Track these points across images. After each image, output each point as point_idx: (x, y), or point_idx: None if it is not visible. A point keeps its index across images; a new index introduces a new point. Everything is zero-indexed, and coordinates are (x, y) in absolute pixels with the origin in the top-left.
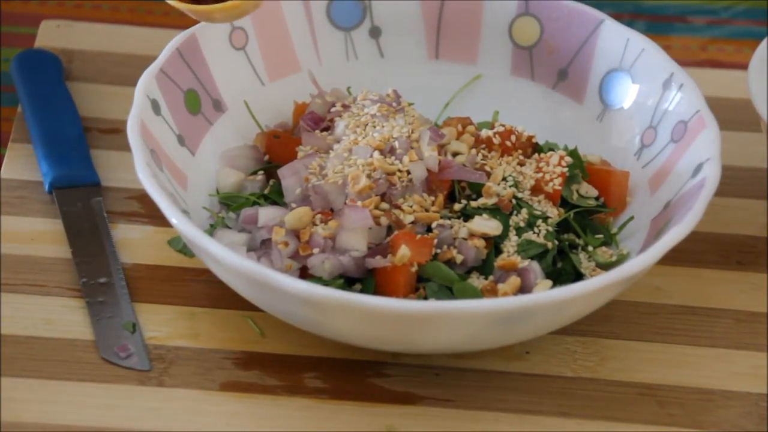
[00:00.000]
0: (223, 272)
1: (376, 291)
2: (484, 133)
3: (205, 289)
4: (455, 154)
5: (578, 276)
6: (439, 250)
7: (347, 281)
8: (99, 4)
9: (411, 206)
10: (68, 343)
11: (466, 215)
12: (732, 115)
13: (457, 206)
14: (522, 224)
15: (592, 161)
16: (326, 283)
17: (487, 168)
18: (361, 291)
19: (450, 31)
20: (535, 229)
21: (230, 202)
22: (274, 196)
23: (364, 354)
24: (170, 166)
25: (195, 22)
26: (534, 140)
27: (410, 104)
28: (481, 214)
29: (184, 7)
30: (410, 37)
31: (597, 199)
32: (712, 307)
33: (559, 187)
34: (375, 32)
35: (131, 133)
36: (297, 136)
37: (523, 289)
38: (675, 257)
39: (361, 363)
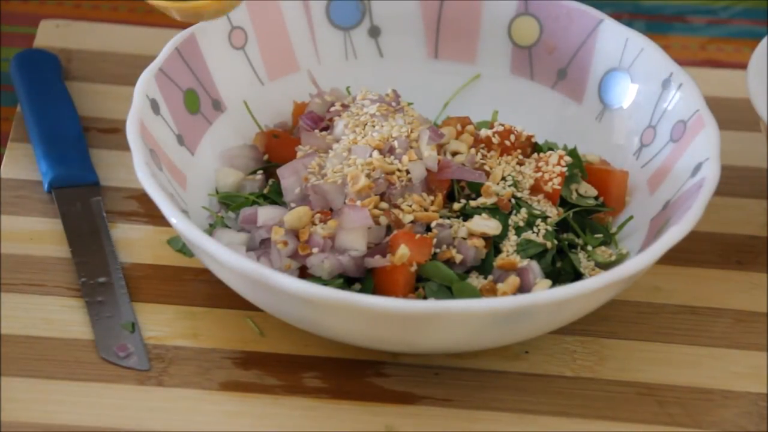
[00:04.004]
0: (223, 272)
1: (376, 290)
2: (484, 132)
3: (205, 289)
4: (454, 154)
5: (577, 276)
6: (438, 250)
7: (346, 281)
8: (98, 4)
9: (410, 206)
10: (68, 342)
11: (466, 215)
12: (731, 114)
13: (456, 206)
14: (521, 224)
15: (591, 161)
16: (325, 283)
17: (487, 167)
18: (361, 291)
19: (449, 30)
20: (535, 229)
21: (229, 201)
22: (274, 196)
23: (363, 354)
24: (169, 166)
25: (195, 22)
26: (533, 140)
27: (409, 104)
28: (480, 214)
29: (171, 5)
30: (409, 36)
31: (596, 198)
32: (712, 307)
33: (559, 187)
34: (374, 32)
35: (130, 132)
36: (296, 135)
37: (523, 288)
38: (674, 257)
39: (361, 363)
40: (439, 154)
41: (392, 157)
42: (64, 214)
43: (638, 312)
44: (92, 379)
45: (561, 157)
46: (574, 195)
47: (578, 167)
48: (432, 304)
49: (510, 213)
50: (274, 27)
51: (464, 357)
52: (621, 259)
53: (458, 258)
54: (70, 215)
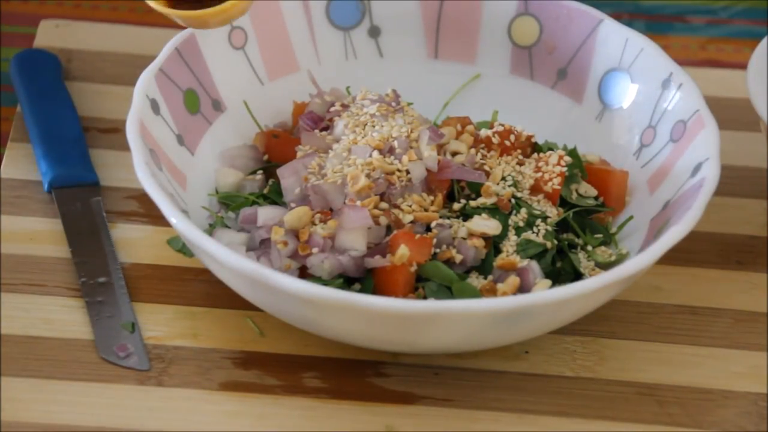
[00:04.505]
0: (223, 272)
1: (375, 290)
2: (484, 132)
3: (205, 289)
4: (454, 154)
5: (577, 276)
6: (438, 250)
7: (346, 281)
8: (98, 4)
9: (410, 206)
10: (68, 342)
11: (466, 215)
12: (731, 114)
13: (456, 206)
14: (521, 224)
15: (591, 161)
16: (325, 283)
17: (487, 168)
18: (361, 291)
19: (449, 30)
20: (535, 229)
21: (229, 201)
22: (273, 196)
23: (363, 354)
24: (169, 166)
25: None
26: (533, 140)
27: (409, 104)
28: (480, 214)
29: (176, 14)
30: (409, 36)
31: (596, 198)
32: (712, 307)
33: (558, 187)
34: (374, 32)
35: (130, 132)
36: (296, 135)
37: (523, 288)
38: (674, 257)
39: (361, 363)
40: (439, 154)
41: (392, 157)
42: (64, 214)
43: (638, 312)
44: (92, 379)
45: (561, 157)
46: (574, 195)
47: (578, 167)
48: (432, 304)
49: (510, 213)
50: (274, 27)
51: (464, 357)
52: (621, 259)
53: (458, 258)
54: (70, 215)
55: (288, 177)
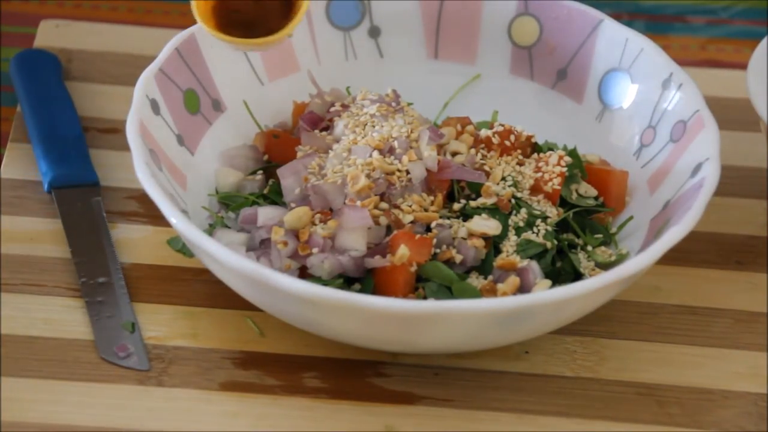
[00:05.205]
0: (223, 272)
1: (376, 291)
2: (484, 132)
3: (205, 289)
4: (454, 154)
5: (577, 276)
6: (438, 250)
7: (346, 281)
8: (98, 4)
9: (410, 206)
10: (68, 342)
11: (466, 215)
12: (731, 115)
13: (456, 206)
14: (521, 224)
15: (591, 161)
16: (325, 283)
17: (487, 168)
18: (361, 291)
19: (449, 30)
20: (535, 229)
21: (229, 201)
22: (273, 196)
23: (363, 354)
24: (169, 166)
25: (195, 22)
26: (533, 140)
27: (409, 104)
28: (480, 214)
29: (218, 35)
30: (409, 36)
31: (596, 198)
32: (712, 307)
33: (558, 187)
34: (374, 32)
35: (130, 132)
36: (296, 135)
37: (523, 288)
38: (674, 257)
39: (361, 363)
40: (439, 154)
41: (392, 157)
42: (64, 214)
43: (638, 312)
44: (92, 379)
45: (561, 157)
46: (574, 195)
47: (578, 167)
48: (432, 304)
49: (510, 213)
50: None
51: (464, 357)
52: (621, 259)
53: (458, 258)
54: (70, 215)
55: (288, 177)
